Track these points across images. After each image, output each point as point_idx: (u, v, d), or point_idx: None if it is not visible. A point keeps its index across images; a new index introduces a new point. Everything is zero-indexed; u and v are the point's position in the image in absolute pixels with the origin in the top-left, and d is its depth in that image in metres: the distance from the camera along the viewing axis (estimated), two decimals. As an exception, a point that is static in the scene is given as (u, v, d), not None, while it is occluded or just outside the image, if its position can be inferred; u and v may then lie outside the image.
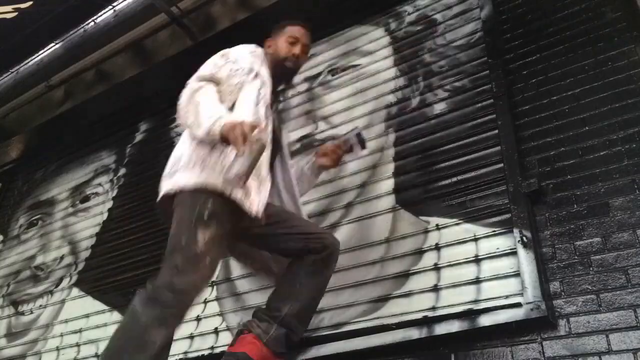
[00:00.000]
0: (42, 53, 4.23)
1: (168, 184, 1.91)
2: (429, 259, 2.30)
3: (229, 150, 1.81)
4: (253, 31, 3.69)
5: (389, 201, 2.57)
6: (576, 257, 2.00)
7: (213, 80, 1.97)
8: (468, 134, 2.49)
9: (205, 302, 2.90)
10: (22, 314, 3.85)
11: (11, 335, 3.81)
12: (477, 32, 2.75)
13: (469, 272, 2.17)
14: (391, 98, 2.88)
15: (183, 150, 1.96)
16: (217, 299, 2.87)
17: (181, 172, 1.88)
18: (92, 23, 3.95)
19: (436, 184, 2.46)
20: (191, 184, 1.83)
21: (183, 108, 1.93)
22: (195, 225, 1.76)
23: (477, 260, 2.18)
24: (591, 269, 1.96)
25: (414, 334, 2.12)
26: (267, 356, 1.87)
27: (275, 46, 2.18)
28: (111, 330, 3.23)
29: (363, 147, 2.28)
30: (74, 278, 3.70)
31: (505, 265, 2.11)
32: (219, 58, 2.05)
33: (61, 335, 3.49)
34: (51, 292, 3.77)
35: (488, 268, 2.14)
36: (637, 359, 1.73)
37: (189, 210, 1.80)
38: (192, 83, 1.96)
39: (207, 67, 2.02)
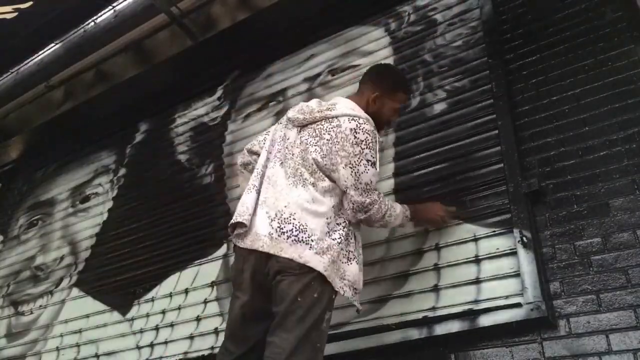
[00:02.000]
0: (42, 53, 4.22)
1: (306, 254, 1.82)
2: (429, 259, 2.30)
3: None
4: (253, 31, 3.71)
5: (389, 201, 2.56)
6: (576, 258, 2.00)
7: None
8: (468, 134, 2.49)
9: (205, 302, 2.90)
10: (22, 314, 3.85)
11: (11, 335, 3.81)
12: (477, 32, 2.75)
13: (469, 272, 2.17)
14: (391, 98, 2.87)
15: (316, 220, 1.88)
16: (217, 299, 2.87)
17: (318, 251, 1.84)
18: (92, 23, 3.94)
19: (436, 183, 2.46)
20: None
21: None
22: (328, 309, 1.87)
23: (477, 260, 2.18)
24: (591, 269, 1.96)
25: (414, 334, 2.13)
26: None
27: (382, 106, 2.16)
28: (111, 330, 3.27)
29: None
30: (74, 278, 3.70)
31: (505, 265, 2.11)
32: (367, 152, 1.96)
33: (61, 335, 3.48)
34: (51, 293, 3.77)
35: (488, 268, 2.14)
36: (637, 359, 1.74)
37: (327, 292, 1.85)
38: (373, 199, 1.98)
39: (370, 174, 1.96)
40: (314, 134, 2.00)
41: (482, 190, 2.32)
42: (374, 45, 3.11)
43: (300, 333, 1.75)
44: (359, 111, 2.03)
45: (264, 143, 2.19)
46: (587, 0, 2.52)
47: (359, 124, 1.95)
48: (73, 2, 3.60)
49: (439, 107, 2.67)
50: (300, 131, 2.07)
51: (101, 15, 3.89)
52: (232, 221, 1.98)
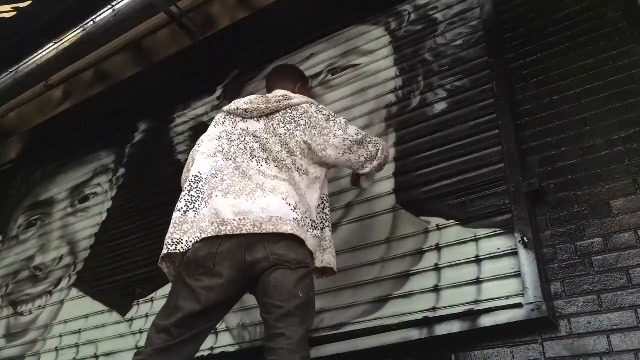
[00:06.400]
0: (41, 52, 4.21)
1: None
2: (429, 260, 2.29)
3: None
4: (253, 31, 3.70)
5: (389, 201, 2.56)
6: (577, 258, 2.00)
7: None
8: (468, 134, 2.48)
9: (205, 302, 2.89)
10: (21, 314, 3.84)
11: (10, 336, 3.80)
12: (478, 31, 2.74)
13: (470, 272, 2.16)
14: (391, 98, 2.87)
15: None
16: (217, 299, 2.86)
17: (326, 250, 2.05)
18: (92, 22, 3.94)
19: (436, 184, 2.46)
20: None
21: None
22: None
23: (477, 260, 2.17)
24: (592, 269, 1.95)
25: (414, 334, 2.12)
26: None
27: (305, 94, 2.39)
28: (110, 330, 3.26)
29: None
30: (73, 278, 3.70)
31: (506, 265, 2.10)
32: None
33: (60, 335, 3.48)
34: (50, 293, 3.76)
35: (489, 268, 2.13)
36: (639, 359, 1.73)
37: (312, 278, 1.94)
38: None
39: (352, 127, 2.19)
40: (286, 121, 2.08)
41: (482, 190, 2.32)
42: (374, 45, 3.11)
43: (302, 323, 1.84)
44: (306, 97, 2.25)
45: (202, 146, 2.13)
46: (587, -1, 2.51)
47: (315, 104, 2.18)
48: (72, 1, 3.59)
49: (439, 107, 2.66)
50: (261, 121, 2.11)
51: (100, 15, 3.89)
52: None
